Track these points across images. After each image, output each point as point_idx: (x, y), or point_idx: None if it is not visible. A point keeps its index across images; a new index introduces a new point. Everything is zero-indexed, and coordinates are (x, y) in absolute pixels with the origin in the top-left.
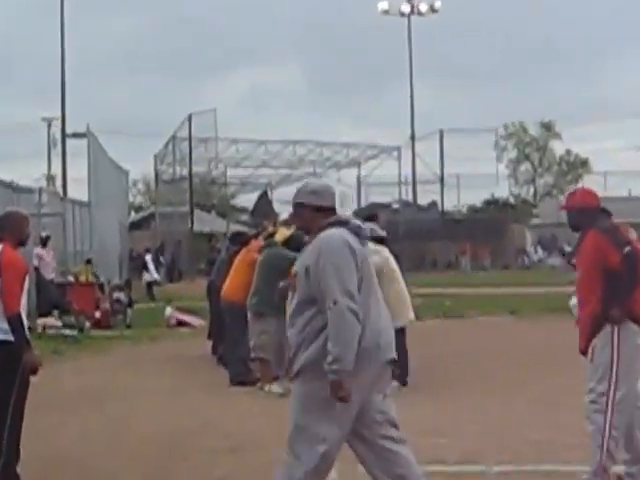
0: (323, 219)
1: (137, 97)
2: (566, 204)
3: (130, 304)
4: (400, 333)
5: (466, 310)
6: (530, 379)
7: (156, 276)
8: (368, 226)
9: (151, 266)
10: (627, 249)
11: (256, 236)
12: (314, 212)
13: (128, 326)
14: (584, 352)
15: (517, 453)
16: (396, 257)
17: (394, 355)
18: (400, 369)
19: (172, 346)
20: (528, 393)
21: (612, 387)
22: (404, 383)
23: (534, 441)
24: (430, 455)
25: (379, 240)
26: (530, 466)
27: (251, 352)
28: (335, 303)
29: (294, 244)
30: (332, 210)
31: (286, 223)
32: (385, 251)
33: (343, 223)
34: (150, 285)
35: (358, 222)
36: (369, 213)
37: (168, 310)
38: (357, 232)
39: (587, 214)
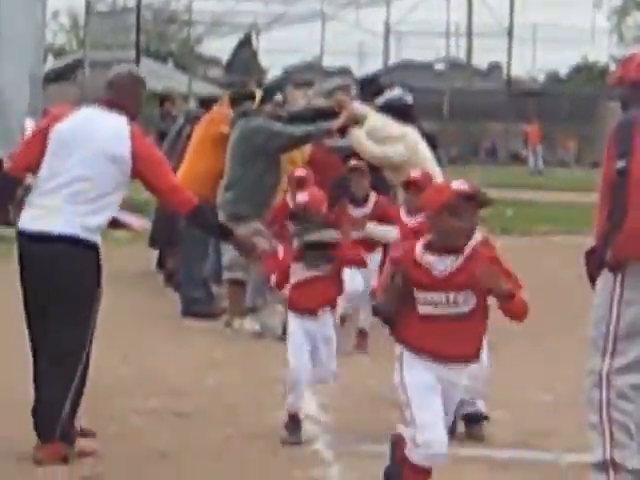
0: None
1: None
2: (621, 73)
3: None
4: None
5: (535, 225)
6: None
7: None
8: (385, 95)
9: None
10: (620, 163)
11: (232, 100)
12: None
13: None
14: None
15: None
16: (432, 142)
17: None
18: None
19: (102, 257)
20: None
21: (608, 351)
22: None
23: None
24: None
25: (402, 112)
26: None
27: (223, 272)
28: None
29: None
30: None
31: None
32: (411, 134)
33: None
34: None
35: None
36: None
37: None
38: None
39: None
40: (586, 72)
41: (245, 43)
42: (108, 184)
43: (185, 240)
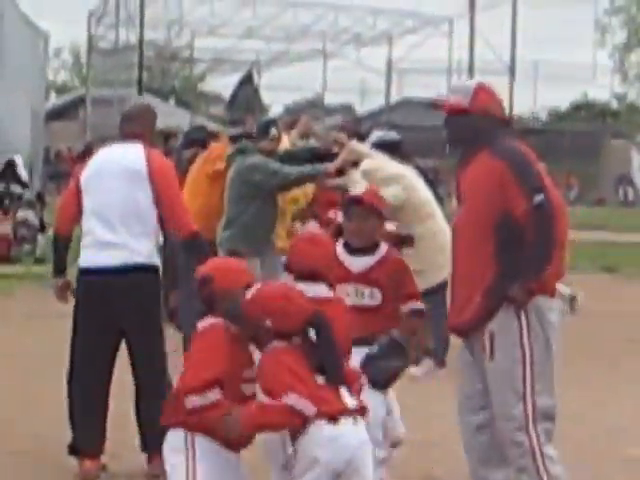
0: None
1: None
2: (462, 102)
3: (42, 228)
4: (439, 291)
5: None
6: (627, 373)
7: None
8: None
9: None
10: (539, 197)
11: (218, 136)
12: None
13: (38, 260)
14: (460, 332)
15: (602, 473)
16: (428, 180)
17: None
18: (437, 343)
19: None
20: (634, 393)
21: (529, 394)
22: (441, 362)
23: (628, 459)
24: None
25: (394, 149)
26: None
27: None
28: None
29: (300, 155)
30: None
31: (290, 127)
32: (408, 174)
33: None
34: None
35: None
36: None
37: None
38: None
39: (487, 123)
40: (587, 110)
41: (246, 80)
42: (143, 203)
43: (184, 279)
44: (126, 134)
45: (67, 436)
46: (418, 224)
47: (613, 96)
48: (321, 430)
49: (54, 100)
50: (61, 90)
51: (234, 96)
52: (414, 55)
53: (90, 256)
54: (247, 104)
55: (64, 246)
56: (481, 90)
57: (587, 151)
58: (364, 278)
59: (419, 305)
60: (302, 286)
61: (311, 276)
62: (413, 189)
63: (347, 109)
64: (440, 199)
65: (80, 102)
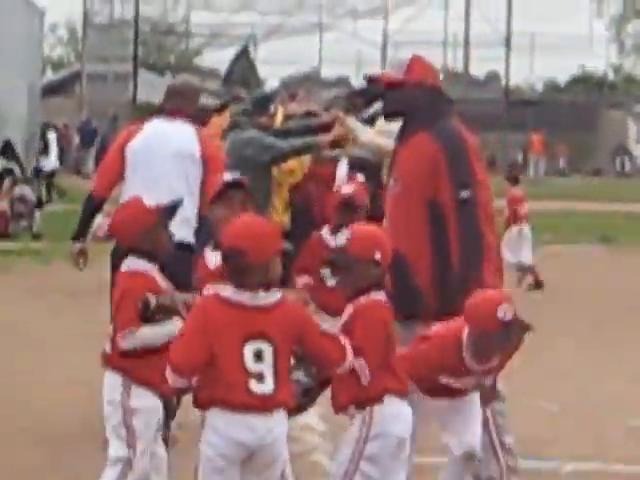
0: None
1: None
2: (396, 75)
3: (39, 204)
4: None
5: (535, 234)
6: (629, 343)
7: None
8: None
9: (53, 148)
10: (465, 193)
11: (220, 110)
12: None
13: (35, 236)
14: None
15: (606, 446)
16: None
17: None
18: None
19: (98, 269)
20: (627, 365)
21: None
22: None
23: (632, 428)
24: None
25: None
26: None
27: None
28: None
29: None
30: None
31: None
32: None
33: None
34: (49, 176)
35: None
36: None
37: (97, 216)
38: None
39: (424, 95)
40: (585, 81)
41: (242, 54)
42: (191, 183)
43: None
44: (172, 110)
45: (67, 413)
46: None
47: (610, 67)
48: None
49: (50, 76)
50: (57, 66)
51: (230, 71)
52: (410, 27)
53: None
54: (244, 78)
55: (96, 209)
56: (415, 63)
57: (584, 122)
58: None
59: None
60: None
61: None
62: None
63: (344, 82)
64: None
65: (76, 78)
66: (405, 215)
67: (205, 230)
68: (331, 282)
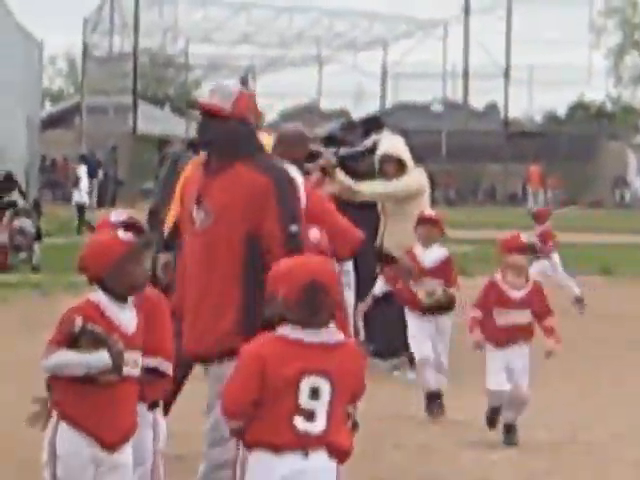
0: None
1: None
2: (223, 104)
3: (39, 236)
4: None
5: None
6: (628, 374)
7: (86, 198)
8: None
9: (84, 182)
10: (294, 227)
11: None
12: None
13: (35, 268)
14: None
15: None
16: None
17: None
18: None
19: None
20: (629, 399)
21: None
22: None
23: (634, 461)
24: (478, 474)
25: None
26: None
27: None
28: None
29: None
30: None
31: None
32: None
33: None
34: (82, 209)
35: None
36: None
37: None
38: None
39: (245, 131)
40: (583, 112)
41: (242, 85)
42: None
43: None
44: (283, 157)
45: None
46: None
47: (608, 98)
48: None
49: (49, 108)
50: (56, 98)
51: None
52: (409, 59)
53: None
54: None
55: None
56: (243, 96)
57: (583, 153)
58: None
59: None
60: None
61: None
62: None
63: (343, 114)
64: (432, 201)
65: (76, 110)
66: (217, 250)
67: None
68: None
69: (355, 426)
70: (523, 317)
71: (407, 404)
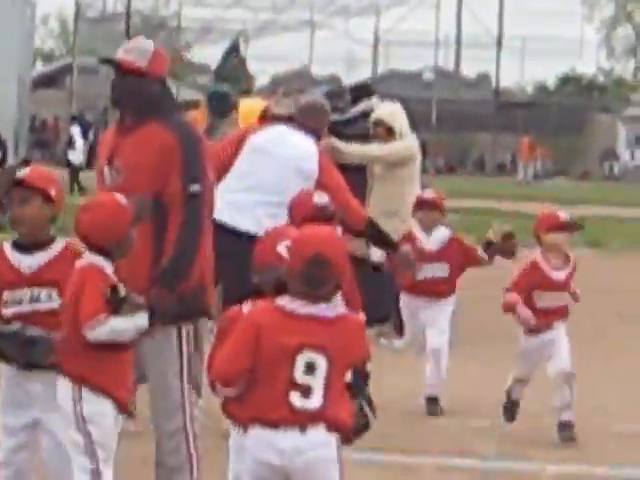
0: None
1: None
2: (139, 62)
3: None
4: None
5: (523, 237)
6: (618, 348)
7: (82, 158)
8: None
9: (79, 142)
10: (195, 187)
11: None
12: None
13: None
14: None
15: (590, 450)
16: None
17: None
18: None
19: None
20: (615, 367)
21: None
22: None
23: (617, 434)
24: (461, 442)
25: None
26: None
27: None
28: None
29: None
30: None
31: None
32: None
33: None
34: (76, 170)
35: None
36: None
37: None
38: None
39: (160, 89)
40: (574, 84)
41: (233, 50)
42: (289, 194)
43: None
44: (300, 125)
45: None
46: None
47: (599, 70)
48: None
49: (41, 68)
50: (48, 58)
51: (221, 66)
52: (401, 27)
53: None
54: (234, 74)
55: None
56: (159, 54)
57: (573, 125)
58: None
59: None
60: None
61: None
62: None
63: (334, 81)
64: (422, 170)
65: (67, 70)
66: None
67: None
68: None
69: (366, 426)
70: (563, 299)
71: (394, 373)
